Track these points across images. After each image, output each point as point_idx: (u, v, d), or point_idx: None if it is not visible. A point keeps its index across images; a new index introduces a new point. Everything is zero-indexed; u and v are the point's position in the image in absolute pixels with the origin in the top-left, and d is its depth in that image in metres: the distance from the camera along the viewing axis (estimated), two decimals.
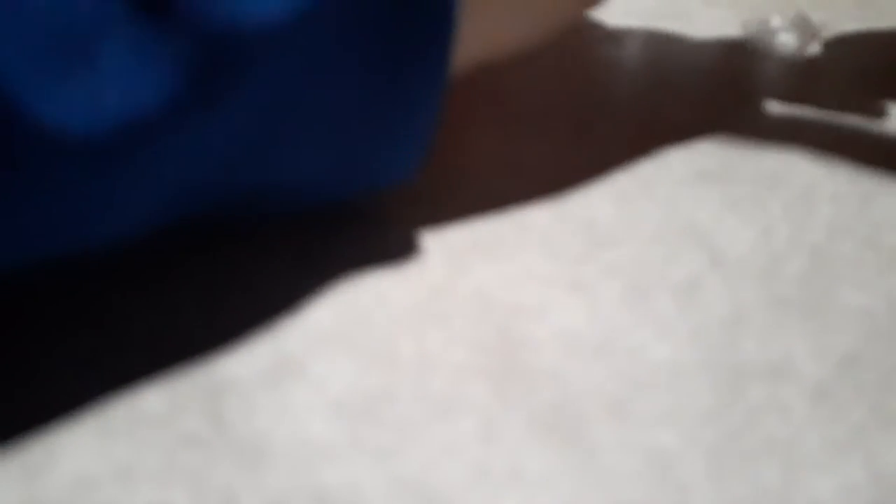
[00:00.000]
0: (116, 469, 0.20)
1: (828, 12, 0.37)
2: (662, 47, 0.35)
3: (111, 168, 0.21)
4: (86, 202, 0.22)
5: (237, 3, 0.22)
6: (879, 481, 0.21)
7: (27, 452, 0.21)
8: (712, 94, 0.32)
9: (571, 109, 0.31)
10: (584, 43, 0.35)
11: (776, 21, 0.35)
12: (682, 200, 0.28)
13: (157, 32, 0.22)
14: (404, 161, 0.25)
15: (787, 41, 0.35)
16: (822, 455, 0.21)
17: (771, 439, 0.22)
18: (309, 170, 0.24)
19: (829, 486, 0.21)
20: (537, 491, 0.20)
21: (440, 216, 0.27)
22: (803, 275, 0.26)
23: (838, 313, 0.25)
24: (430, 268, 0.25)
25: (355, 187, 0.25)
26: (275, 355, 0.23)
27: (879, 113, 0.32)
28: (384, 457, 0.21)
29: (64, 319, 0.24)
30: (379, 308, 0.24)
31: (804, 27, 0.35)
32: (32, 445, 0.21)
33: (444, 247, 0.26)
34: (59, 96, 0.21)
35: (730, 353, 0.23)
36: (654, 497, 0.20)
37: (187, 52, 0.22)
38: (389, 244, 0.26)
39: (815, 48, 0.35)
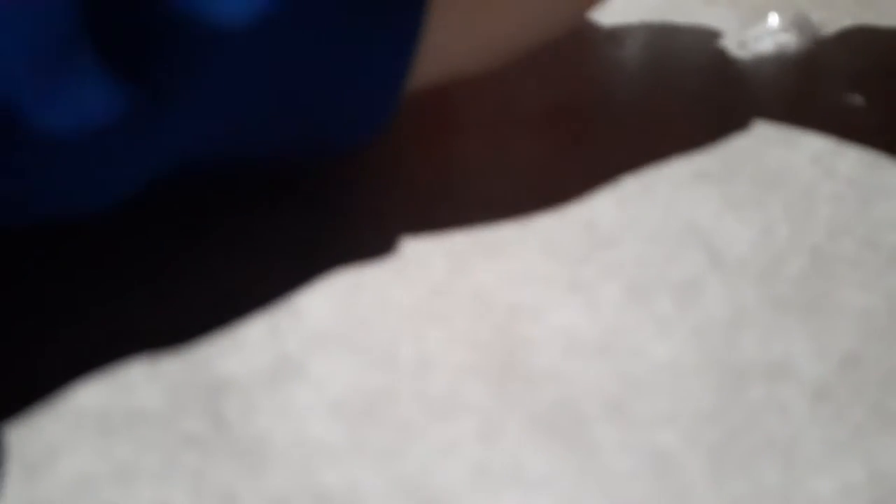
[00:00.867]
0: (116, 469, 0.20)
1: (828, 12, 0.37)
2: (662, 47, 0.35)
3: (86, 154, 0.22)
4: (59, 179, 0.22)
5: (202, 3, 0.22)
6: (879, 481, 0.21)
7: (27, 452, 0.21)
8: (712, 94, 0.32)
9: (571, 109, 0.31)
10: (584, 43, 0.35)
11: (776, 21, 0.35)
12: (682, 200, 0.28)
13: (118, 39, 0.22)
14: (369, 122, 0.26)
15: (787, 41, 0.35)
16: (822, 455, 0.21)
17: (771, 439, 0.22)
18: (275, 139, 0.25)
19: (829, 486, 0.21)
20: (537, 491, 0.20)
21: (440, 216, 0.27)
22: (803, 275, 0.26)
23: (838, 313, 0.25)
24: (430, 268, 0.25)
25: (318, 151, 0.26)
26: (275, 355, 0.23)
27: (879, 113, 0.32)
28: (384, 457, 0.21)
29: (58, 312, 0.24)
30: (379, 308, 0.24)
31: (804, 27, 0.35)
32: (32, 445, 0.21)
33: (444, 247, 0.26)
34: (50, 104, 0.21)
35: (730, 353, 0.23)
36: (654, 497, 0.20)
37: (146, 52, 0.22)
38: (389, 244, 0.26)
39: (815, 48, 0.35)
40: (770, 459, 0.21)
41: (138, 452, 0.21)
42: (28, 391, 0.22)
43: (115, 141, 0.22)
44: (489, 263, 0.26)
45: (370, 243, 0.26)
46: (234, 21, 0.22)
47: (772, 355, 0.23)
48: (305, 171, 0.28)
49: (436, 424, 0.22)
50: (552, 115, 0.31)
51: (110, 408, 0.22)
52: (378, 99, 0.25)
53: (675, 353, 0.23)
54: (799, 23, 0.35)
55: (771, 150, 0.30)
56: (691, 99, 0.32)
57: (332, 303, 0.24)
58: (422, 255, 0.26)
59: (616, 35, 0.35)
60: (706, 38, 0.35)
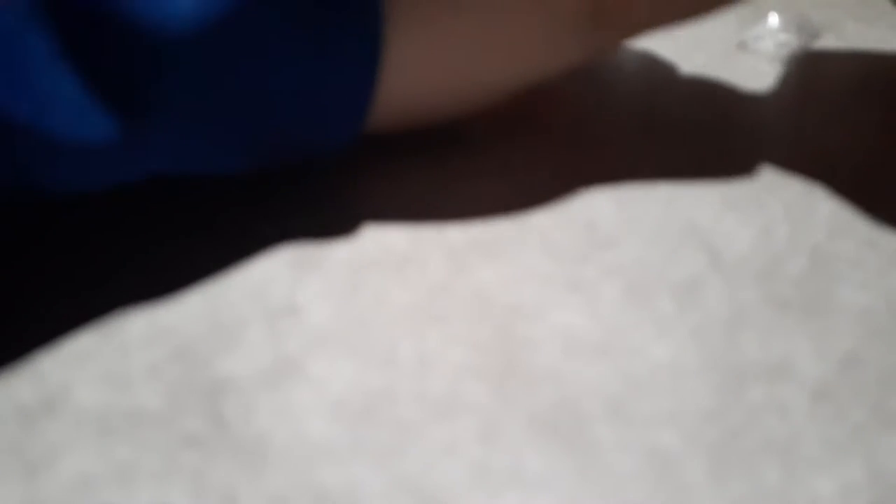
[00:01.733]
0: (116, 469, 0.20)
1: (828, 12, 0.37)
2: (662, 47, 0.35)
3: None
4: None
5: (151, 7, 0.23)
6: (879, 481, 0.21)
7: (27, 452, 0.21)
8: (712, 94, 0.32)
9: (571, 109, 0.31)
10: None
11: (776, 21, 0.35)
12: (682, 200, 0.28)
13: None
14: (336, 133, 0.26)
15: (787, 41, 0.35)
16: (822, 455, 0.21)
17: (771, 439, 0.22)
18: (244, 146, 0.25)
19: (829, 486, 0.21)
20: (537, 491, 0.20)
21: (440, 216, 0.27)
22: (803, 275, 0.26)
23: (838, 313, 0.25)
24: (430, 268, 0.25)
25: (288, 157, 0.26)
26: (275, 355, 0.23)
27: (879, 112, 0.32)
28: (384, 457, 0.21)
29: (59, 313, 0.24)
30: (379, 308, 0.24)
31: (804, 27, 0.35)
32: (32, 445, 0.21)
33: (444, 247, 0.26)
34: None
35: (730, 353, 0.23)
36: (654, 497, 0.20)
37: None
38: (389, 243, 0.26)
39: (814, 48, 0.35)
40: (770, 459, 0.21)
41: (138, 452, 0.21)
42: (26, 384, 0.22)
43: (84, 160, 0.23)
44: (489, 263, 0.26)
45: (370, 243, 0.26)
46: (185, 23, 0.23)
47: (772, 355, 0.23)
48: (300, 172, 0.28)
49: (436, 424, 0.22)
50: (552, 114, 0.31)
51: (110, 408, 0.22)
52: (340, 118, 0.26)
53: (675, 353, 0.23)
54: (799, 23, 0.35)
55: (771, 150, 0.30)
56: (691, 99, 0.32)
57: (332, 303, 0.24)
58: (422, 255, 0.26)
59: None
60: (706, 38, 0.35)
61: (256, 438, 0.21)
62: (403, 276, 0.25)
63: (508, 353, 0.23)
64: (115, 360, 0.23)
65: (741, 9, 0.37)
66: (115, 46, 0.23)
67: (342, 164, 0.29)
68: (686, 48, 0.35)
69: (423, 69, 0.27)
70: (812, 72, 0.34)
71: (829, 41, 0.35)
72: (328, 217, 0.27)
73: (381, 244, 0.26)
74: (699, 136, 0.30)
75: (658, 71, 0.33)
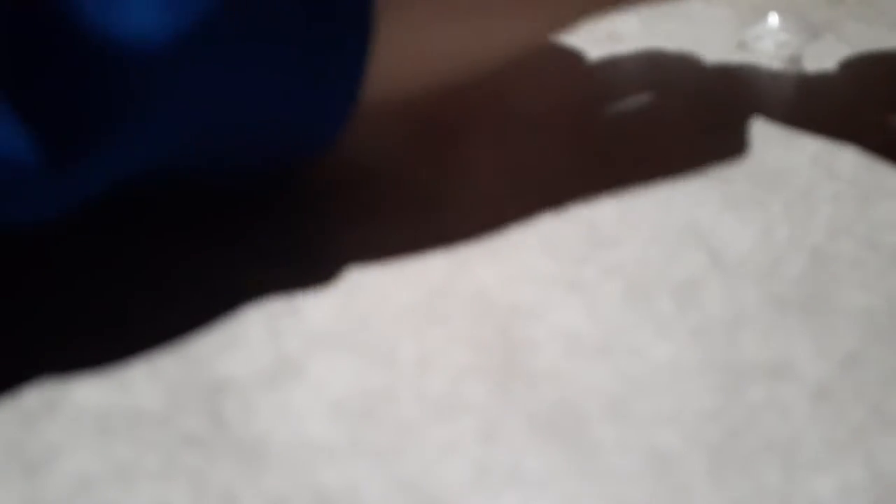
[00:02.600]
0: (116, 469, 0.20)
1: (828, 12, 0.37)
2: (662, 47, 0.35)
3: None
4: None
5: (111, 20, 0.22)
6: (879, 481, 0.21)
7: (27, 452, 0.21)
8: (712, 94, 0.32)
9: (571, 109, 0.31)
10: (584, 43, 0.35)
11: (776, 21, 0.35)
12: (682, 200, 0.28)
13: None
14: (323, 132, 0.26)
15: (787, 41, 0.35)
16: (822, 455, 0.21)
17: (771, 439, 0.22)
18: (224, 157, 0.25)
19: (829, 486, 0.21)
20: (537, 491, 0.20)
21: (440, 216, 0.27)
22: (803, 275, 0.26)
23: (838, 313, 0.25)
24: (430, 268, 0.25)
25: (268, 165, 0.26)
26: (275, 355, 0.23)
27: (879, 112, 0.32)
28: (384, 457, 0.21)
29: (59, 315, 0.24)
30: (379, 308, 0.24)
31: (804, 27, 0.35)
32: (32, 445, 0.21)
33: (444, 247, 0.26)
34: None
35: (730, 353, 0.23)
36: (654, 497, 0.20)
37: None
38: (389, 244, 0.26)
39: (814, 48, 0.35)
40: (770, 459, 0.21)
41: (138, 452, 0.21)
42: (29, 392, 0.22)
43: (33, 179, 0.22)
44: (489, 263, 0.26)
45: (369, 243, 0.26)
46: (148, 39, 0.22)
47: (772, 355, 0.23)
48: (302, 173, 0.28)
49: (436, 424, 0.22)
50: (552, 114, 0.31)
51: (110, 408, 0.22)
52: (331, 110, 0.25)
53: (675, 353, 0.23)
54: (799, 23, 0.35)
55: (771, 150, 0.30)
56: (691, 99, 0.32)
57: (332, 303, 0.24)
58: (422, 255, 0.26)
59: (616, 35, 0.35)
60: (706, 38, 0.35)
61: (256, 438, 0.21)
62: (403, 276, 0.25)
63: (508, 353, 0.23)
64: (115, 360, 0.23)
65: (741, 9, 0.37)
66: (63, 66, 0.21)
67: (342, 164, 0.29)
68: (686, 48, 0.35)
69: (407, 66, 0.27)
70: (812, 72, 0.34)
71: (829, 41, 0.35)
72: (328, 218, 0.27)
73: (381, 244, 0.26)
74: (699, 135, 0.30)
75: (659, 71, 0.33)
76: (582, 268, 0.26)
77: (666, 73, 0.33)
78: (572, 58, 0.34)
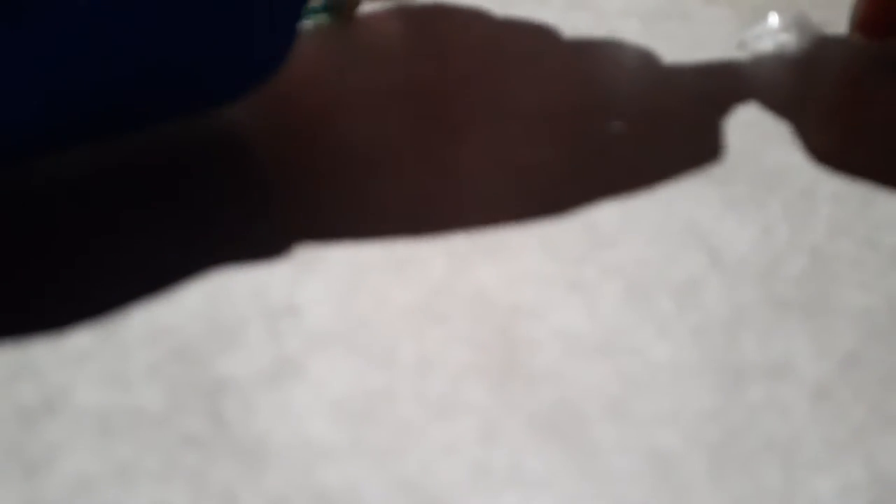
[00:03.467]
0: (116, 469, 0.20)
1: (828, 12, 0.37)
2: (662, 47, 0.35)
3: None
4: None
5: None
6: (879, 481, 0.21)
7: (27, 452, 0.21)
8: (712, 94, 0.32)
9: (571, 109, 0.31)
10: (584, 43, 0.35)
11: (776, 21, 0.35)
12: (682, 200, 0.28)
13: None
14: (262, 60, 0.26)
15: (787, 41, 0.35)
16: (822, 455, 0.21)
17: (771, 439, 0.22)
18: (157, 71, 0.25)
19: (829, 486, 0.21)
20: (537, 491, 0.20)
21: (440, 215, 0.27)
22: (803, 275, 0.26)
23: (838, 313, 0.25)
24: (430, 268, 0.25)
25: (217, 85, 0.26)
26: (275, 355, 0.23)
27: (879, 112, 0.32)
28: (384, 457, 0.21)
29: (58, 312, 0.24)
30: (379, 308, 0.24)
31: (804, 27, 0.35)
32: (32, 445, 0.21)
33: (444, 247, 0.26)
34: None
35: (730, 353, 0.23)
36: (654, 497, 0.20)
37: None
38: (389, 244, 0.26)
39: (814, 48, 0.35)
40: (770, 459, 0.21)
41: (138, 452, 0.21)
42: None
43: None
44: (489, 263, 0.26)
45: (369, 244, 0.26)
46: None
47: (772, 355, 0.23)
48: (300, 169, 0.28)
49: (436, 424, 0.22)
50: (552, 113, 0.31)
51: (110, 408, 0.22)
52: (269, 39, 0.25)
53: (675, 353, 0.23)
54: (799, 23, 0.35)
55: (771, 150, 0.30)
56: (691, 99, 0.32)
57: (332, 303, 0.24)
58: (422, 255, 0.26)
59: (616, 35, 0.35)
60: (706, 38, 0.35)
61: (256, 438, 0.21)
62: (403, 276, 0.25)
63: (508, 353, 0.23)
64: (115, 360, 0.23)
65: (741, 9, 0.37)
66: None
67: (343, 165, 0.29)
68: (686, 48, 0.35)
69: None
70: (812, 72, 0.34)
71: (829, 41, 0.35)
72: (328, 218, 0.27)
73: (381, 244, 0.26)
74: (699, 135, 0.30)
75: (659, 71, 0.33)
76: (582, 268, 0.26)
77: (666, 73, 0.33)
78: (573, 58, 0.34)
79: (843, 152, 0.30)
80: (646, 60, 0.34)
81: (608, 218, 0.27)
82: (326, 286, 0.25)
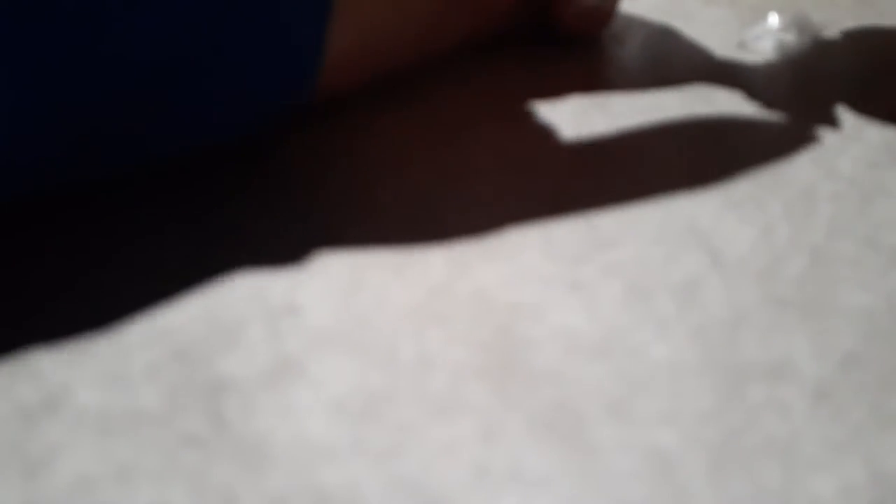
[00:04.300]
0: (116, 469, 0.20)
1: (828, 12, 0.37)
2: (662, 47, 0.35)
3: None
4: None
5: None
6: (879, 481, 0.21)
7: (27, 452, 0.21)
8: (712, 94, 0.32)
9: (572, 108, 0.31)
10: (585, 42, 0.35)
11: (776, 21, 0.35)
12: (682, 200, 0.28)
13: None
14: (287, 82, 0.25)
15: (787, 41, 0.35)
16: (822, 455, 0.21)
17: (771, 439, 0.22)
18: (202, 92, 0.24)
19: (829, 486, 0.21)
20: (537, 491, 0.20)
21: (440, 215, 0.27)
22: (803, 275, 0.26)
23: (838, 313, 0.25)
24: (430, 268, 0.25)
25: (244, 112, 0.25)
26: (275, 355, 0.23)
27: (879, 112, 0.32)
28: (384, 457, 0.21)
29: (58, 312, 0.24)
30: (379, 308, 0.24)
31: (804, 27, 0.35)
32: (32, 445, 0.21)
33: (444, 247, 0.26)
34: None
35: (730, 353, 0.23)
36: (654, 497, 0.20)
37: None
38: (389, 244, 0.26)
39: (814, 48, 0.35)
40: (770, 459, 0.21)
41: (138, 452, 0.21)
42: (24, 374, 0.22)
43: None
44: (489, 263, 0.26)
45: (370, 244, 0.26)
46: None
47: (772, 355, 0.23)
48: (304, 170, 0.28)
49: (436, 424, 0.22)
50: (553, 113, 0.31)
51: (110, 408, 0.22)
52: (287, 63, 0.24)
53: (675, 353, 0.23)
54: (799, 23, 0.35)
55: (771, 150, 0.30)
56: (691, 98, 0.32)
57: (332, 303, 0.24)
58: (422, 255, 0.26)
59: (616, 34, 0.35)
60: (706, 38, 0.35)
61: (256, 438, 0.21)
62: (403, 276, 0.25)
63: (508, 353, 0.23)
64: (115, 360, 0.23)
65: (741, 9, 0.37)
66: None
67: (344, 165, 0.29)
68: (686, 48, 0.35)
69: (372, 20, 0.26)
70: (812, 72, 0.34)
71: (829, 41, 0.35)
72: (328, 217, 0.27)
73: (380, 244, 0.26)
74: (699, 135, 0.30)
75: (659, 71, 0.33)
76: (582, 268, 0.26)
77: (666, 72, 0.33)
78: (572, 57, 0.34)
79: (843, 152, 0.30)
80: (646, 60, 0.34)
81: (608, 218, 0.27)
82: (326, 286, 0.25)
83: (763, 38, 0.35)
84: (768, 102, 0.32)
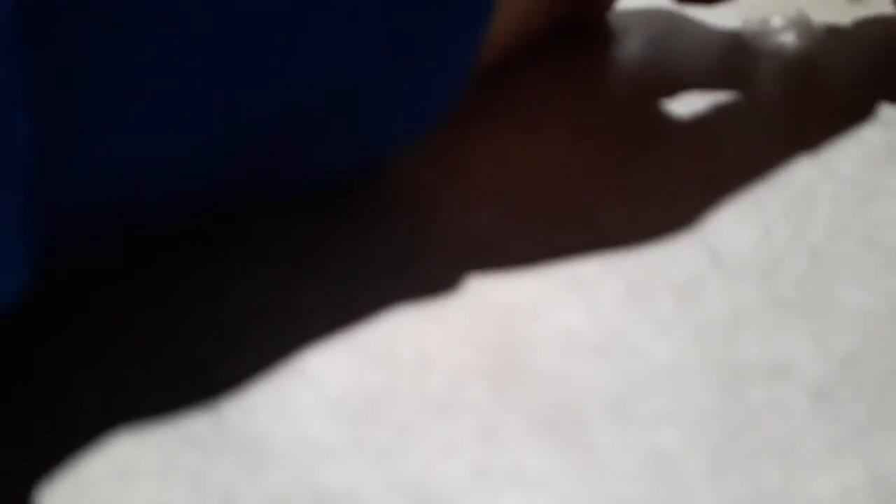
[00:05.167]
0: (116, 469, 0.20)
1: (828, 12, 0.37)
2: (662, 47, 0.35)
3: None
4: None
5: None
6: (879, 481, 0.21)
7: (28, 453, 0.21)
8: (712, 93, 0.32)
9: (572, 108, 0.31)
10: (585, 42, 0.35)
11: (776, 21, 0.35)
12: (682, 200, 0.28)
13: None
14: (429, 112, 0.23)
15: (786, 41, 0.35)
16: (822, 455, 0.21)
17: (771, 439, 0.22)
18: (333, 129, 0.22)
19: (829, 486, 0.21)
20: (537, 491, 0.20)
21: (440, 215, 0.27)
22: (803, 275, 0.26)
23: (838, 313, 0.25)
24: (430, 268, 0.25)
25: (380, 146, 0.23)
26: (275, 355, 0.23)
27: (879, 112, 0.32)
28: (384, 457, 0.21)
29: (67, 316, 0.24)
30: (379, 308, 0.24)
31: (804, 27, 0.35)
32: (34, 446, 0.21)
33: (444, 247, 0.26)
34: None
35: (730, 353, 0.23)
36: (654, 497, 0.20)
37: None
38: (389, 244, 0.26)
39: (815, 48, 0.35)
40: (770, 459, 0.21)
41: (138, 452, 0.21)
42: (27, 390, 0.22)
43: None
44: (489, 263, 0.26)
45: (370, 243, 0.26)
46: None
47: (772, 355, 0.23)
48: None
49: (436, 424, 0.22)
50: (553, 113, 0.31)
51: (110, 408, 0.22)
52: (443, 83, 0.22)
53: (675, 353, 0.23)
54: (799, 23, 0.35)
55: (771, 150, 0.30)
56: (691, 98, 0.32)
57: (332, 303, 0.24)
58: (422, 255, 0.26)
59: (617, 34, 0.35)
60: (706, 38, 0.35)
61: (256, 438, 0.21)
62: (403, 276, 0.25)
63: (508, 353, 0.23)
64: (115, 360, 0.23)
65: (741, 9, 0.37)
66: None
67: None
68: (686, 48, 0.35)
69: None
70: (812, 72, 0.34)
71: (829, 41, 0.35)
72: (326, 216, 0.27)
73: (380, 244, 0.26)
74: (699, 135, 0.30)
75: (659, 71, 0.33)
76: (582, 268, 0.26)
77: (666, 72, 0.33)
78: (572, 57, 0.34)
79: (843, 152, 0.30)
80: (646, 60, 0.34)
81: (608, 218, 0.27)
82: (327, 286, 0.25)
83: (763, 38, 0.35)
84: (768, 102, 0.32)
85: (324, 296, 0.24)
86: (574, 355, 0.23)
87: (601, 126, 0.31)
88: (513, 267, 0.25)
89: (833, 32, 0.36)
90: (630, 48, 0.34)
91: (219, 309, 0.24)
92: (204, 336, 0.23)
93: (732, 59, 0.34)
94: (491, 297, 0.25)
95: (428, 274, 0.25)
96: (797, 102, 0.32)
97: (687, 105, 0.32)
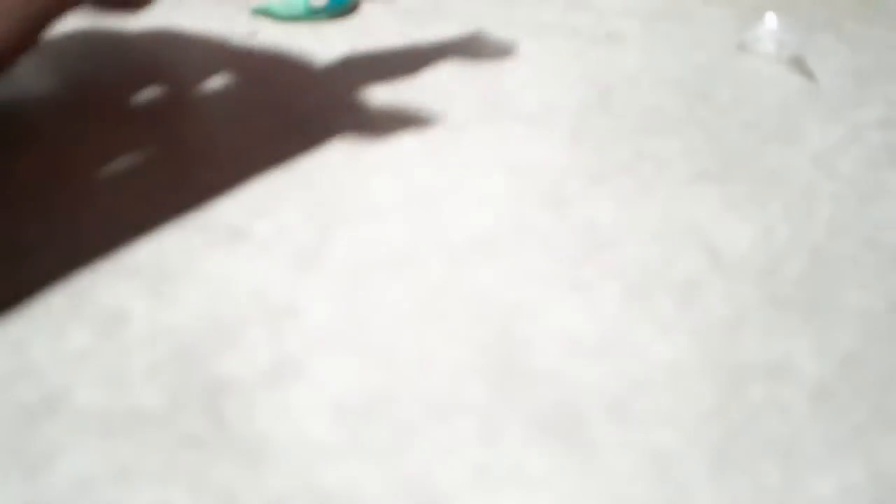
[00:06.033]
0: (116, 469, 0.20)
1: (828, 12, 0.37)
2: (659, 46, 0.35)
3: None
4: None
5: None
6: (879, 481, 0.21)
7: (27, 452, 0.21)
8: (710, 93, 0.32)
9: (570, 108, 0.31)
10: (582, 42, 0.35)
11: (776, 21, 0.35)
12: (682, 200, 0.28)
13: None
14: None
15: (786, 41, 0.35)
16: (822, 455, 0.21)
17: (771, 439, 0.22)
18: None
19: (829, 486, 0.21)
20: (537, 491, 0.20)
21: (440, 215, 0.27)
22: (803, 275, 0.26)
23: (838, 313, 0.25)
24: (430, 268, 0.25)
25: None
26: (275, 355, 0.23)
27: (879, 112, 0.32)
28: (384, 457, 0.21)
29: (62, 314, 0.24)
30: (379, 308, 0.24)
31: (804, 27, 0.35)
32: (32, 445, 0.21)
33: (444, 247, 0.26)
34: None
35: (730, 353, 0.23)
36: (655, 497, 0.20)
37: None
38: (388, 244, 0.26)
39: (814, 48, 0.35)
40: (770, 459, 0.21)
41: (138, 452, 0.21)
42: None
43: None
44: (489, 263, 0.26)
45: (369, 243, 0.26)
46: None
47: (772, 355, 0.23)
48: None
49: (436, 424, 0.22)
50: (551, 112, 0.31)
51: (110, 408, 0.22)
52: None
53: (675, 353, 0.23)
54: (799, 23, 0.35)
55: (771, 150, 0.30)
56: (691, 98, 0.32)
57: (332, 303, 0.24)
58: (422, 255, 0.26)
59: (613, 34, 0.35)
60: (704, 38, 0.35)
61: (256, 438, 0.21)
62: (403, 276, 0.25)
63: (508, 353, 0.23)
64: (115, 360, 0.23)
65: (741, 9, 0.37)
66: None
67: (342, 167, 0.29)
68: (686, 48, 0.35)
69: None
70: (812, 72, 0.34)
71: (829, 41, 0.35)
72: (326, 216, 0.27)
73: (380, 244, 0.26)
74: (699, 135, 0.30)
75: (657, 70, 0.33)
76: (582, 268, 0.26)
77: (663, 72, 0.33)
78: (570, 57, 0.34)
79: (843, 152, 0.30)
80: (643, 60, 0.34)
81: (608, 218, 0.27)
82: (326, 286, 0.25)
83: (762, 39, 0.35)
84: (768, 102, 0.32)
85: (321, 291, 0.24)
86: (574, 355, 0.23)
87: (599, 124, 0.30)
88: (512, 266, 0.25)
89: (833, 33, 0.36)
90: (626, 48, 0.34)
91: None
92: None
93: (732, 59, 0.34)
94: (491, 298, 0.25)
95: (429, 273, 0.25)
96: (795, 102, 0.32)
97: (686, 106, 0.32)
